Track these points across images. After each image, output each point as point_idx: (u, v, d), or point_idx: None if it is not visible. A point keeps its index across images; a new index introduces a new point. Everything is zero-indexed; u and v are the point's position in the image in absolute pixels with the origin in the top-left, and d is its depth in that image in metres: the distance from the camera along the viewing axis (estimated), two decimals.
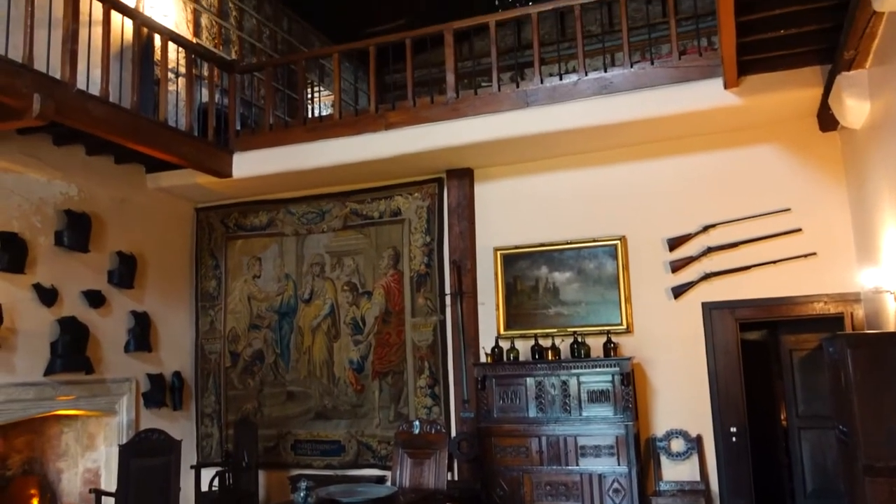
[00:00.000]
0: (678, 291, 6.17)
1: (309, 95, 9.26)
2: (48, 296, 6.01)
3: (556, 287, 6.52)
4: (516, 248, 6.69)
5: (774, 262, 5.94)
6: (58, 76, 5.35)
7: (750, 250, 6.03)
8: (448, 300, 6.83)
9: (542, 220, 6.68)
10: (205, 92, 7.42)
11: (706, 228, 6.17)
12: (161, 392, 7.10)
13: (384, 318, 7.09)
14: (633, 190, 6.44)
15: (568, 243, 6.53)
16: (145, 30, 6.65)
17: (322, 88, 9.97)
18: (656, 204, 6.35)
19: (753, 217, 6.04)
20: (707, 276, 6.11)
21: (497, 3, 9.08)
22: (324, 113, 10.03)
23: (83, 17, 5.65)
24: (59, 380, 6.04)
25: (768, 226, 6.00)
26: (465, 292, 6.71)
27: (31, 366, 5.85)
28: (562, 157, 6.63)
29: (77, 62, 5.45)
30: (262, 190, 7.52)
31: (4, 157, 5.82)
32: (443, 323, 6.85)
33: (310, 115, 7.78)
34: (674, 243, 6.23)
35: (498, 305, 6.67)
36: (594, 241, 6.46)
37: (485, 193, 6.94)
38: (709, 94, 5.62)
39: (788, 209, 5.96)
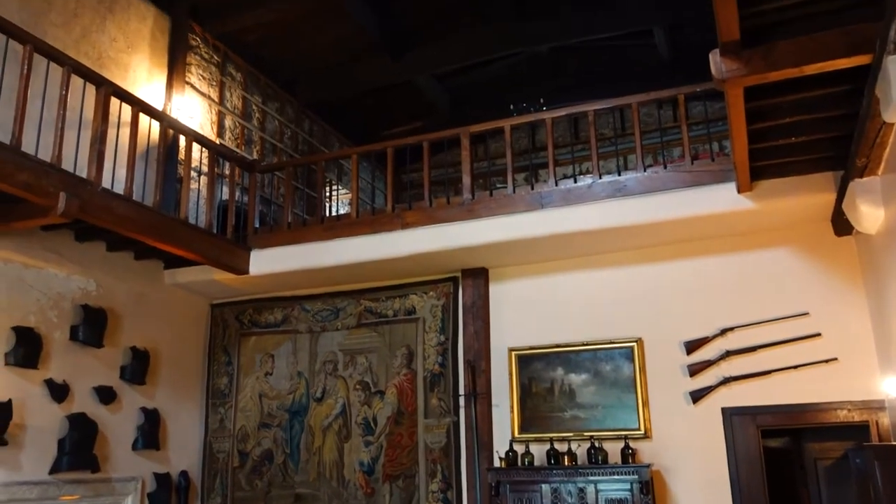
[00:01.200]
0: (697, 396, 6.05)
1: (327, 194, 9.44)
2: (59, 392, 5.98)
3: (572, 389, 6.42)
4: (531, 348, 6.63)
5: (795, 367, 5.83)
6: (84, 175, 5.50)
7: (769, 354, 5.93)
8: (462, 401, 6.72)
9: (557, 320, 6.64)
10: (225, 189, 7.59)
11: (724, 331, 6.10)
12: (167, 492, 6.93)
13: (396, 418, 6.97)
14: (649, 291, 6.41)
15: (584, 344, 6.46)
16: (171, 131, 6.86)
17: (340, 187, 10.16)
18: (672, 306, 6.31)
19: (771, 321, 5.97)
20: (726, 381, 5.99)
21: (511, 107, 9.32)
22: (341, 210, 10.23)
23: (112, 118, 5.86)
24: (65, 478, 5.92)
25: (787, 330, 5.93)
26: (480, 393, 6.61)
27: (36, 463, 5.75)
28: (577, 257, 6.66)
29: (104, 162, 5.61)
30: (277, 287, 7.56)
31: (27, 252, 5.91)
32: (456, 425, 6.71)
33: (327, 213, 7.91)
34: (691, 346, 6.15)
35: (512, 407, 6.54)
36: (610, 342, 6.39)
37: (500, 293, 6.94)
38: (722, 198, 5.68)
39: (807, 313, 5.89)
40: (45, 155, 5.19)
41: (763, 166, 5.30)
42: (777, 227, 6.06)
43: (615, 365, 6.34)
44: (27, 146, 5.03)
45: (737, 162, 5.04)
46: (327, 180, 9.40)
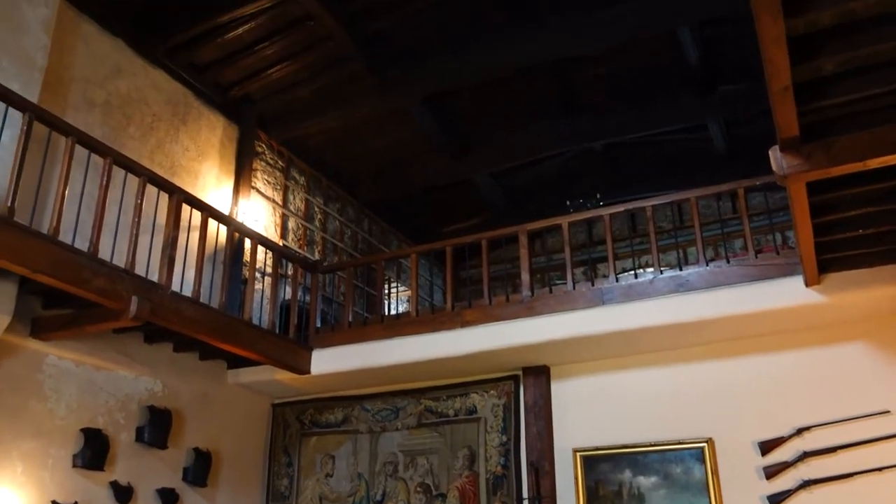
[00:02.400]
0: (775, 500, 5.73)
1: (386, 292, 9.54)
2: (124, 494, 6.00)
3: (641, 493, 6.15)
4: (597, 449, 6.42)
5: (879, 469, 5.49)
6: (155, 279, 5.69)
7: (851, 455, 5.61)
8: None
9: (623, 420, 6.44)
10: (288, 289, 7.74)
11: (800, 431, 5.81)
12: None
13: None
14: (718, 389, 6.19)
15: (651, 445, 6.23)
16: (237, 234, 7.10)
17: (399, 284, 10.27)
18: (744, 404, 6.07)
19: (850, 419, 5.68)
20: (806, 484, 5.67)
21: (568, 202, 9.40)
22: (401, 307, 10.30)
23: (182, 223, 6.10)
24: None
25: (868, 429, 5.62)
26: (544, 496, 6.39)
27: None
28: (640, 354, 6.51)
29: (174, 266, 5.81)
30: (338, 386, 7.56)
31: (98, 354, 6.08)
32: None
33: (387, 311, 7.97)
34: (766, 447, 5.87)
35: None
36: (679, 443, 6.15)
37: (562, 391, 6.79)
38: (790, 293, 5.54)
39: (888, 411, 5.60)
40: (119, 259, 5.41)
41: (831, 259, 5.18)
42: (850, 320, 5.84)
43: (685, 467, 6.08)
44: (103, 251, 5.26)
45: (803, 256, 4.94)
46: (386, 278, 9.52)
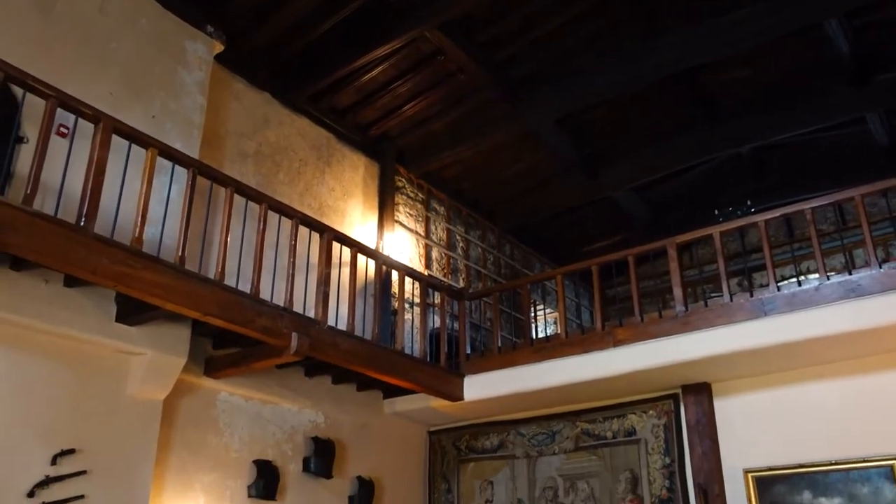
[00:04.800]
0: None
1: (532, 314, 9.49)
2: None
3: None
4: (770, 469, 6.03)
5: None
6: (312, 315, 5.95)
7: None
8: None
9: (798, 437, 6.00)
10: (436, 318, 7.86)
11: None
12: None
13: None
14: None
15: (832, 464, 5.77)
16: (385, 267, 7.31)
17: (545, 307, 10.19)
18: None
19: None
20: None
21: (716, 211, 9.00)
22: (547, 330, 10.21)
23: (334, 261, 6.36)
24: None
25: None
26: None
27: None
28: (811, 367, 6.07)
29: (328, 301, 6.05)
30: (491, 412, 7.56)
31: (264, 390, 6.41)
32: None
33: (535, 335, 7.91)
34: None
35: None
36: (864, 461, 5.66)
37: (727, 409, 6.44)
38: None
39: None
40: (278, 298, 5.70)
41: None
42: None
43: (873, 487, 5.58)
44: (264, 292, 5.56)
45: None
46: (532, 301, 9.47)
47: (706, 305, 6.20)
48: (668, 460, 6.53)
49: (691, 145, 9.25)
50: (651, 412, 6.77)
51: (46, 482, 4.55)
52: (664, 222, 10.22)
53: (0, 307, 4.51)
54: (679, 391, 6.65)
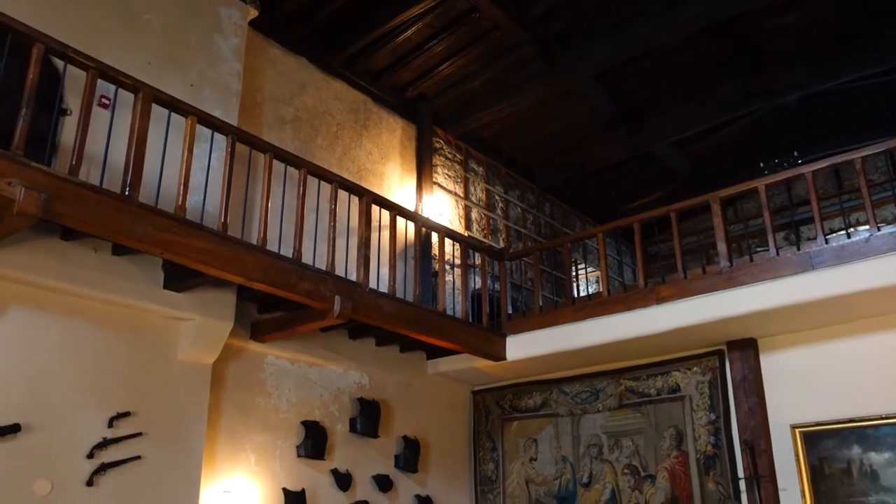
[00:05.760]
0: None
1: (574, 273, 9.45)
2: (343, 481, 6.40)
3: (874, 470, 5.63)
4: (818, 424, 5.96)
5: None
6: (353, 278, 6.00)
7: None
8: (743, 485, 6.16)
9: (846, 392, 5.90)
10: (477, 279, 7.88)
11: None
12: None
13: None
14: None
15: (882, 418, 5.67)
16: (424, 229, 7.32)
17: (586, 266, 10.13)
18: None
19: None
20: None
21: (762, 164, 8.80)
22: (588, 289, 10.16)
23: (374, 224, 6.39)
24: None
25: None
26: (762, 476, 6.03)
27: None
28: (860, 320, 5.94)
29: (369, 264, 6.09)
30: (534, 371, 7.59)
31: (309, 352, 6.52)
32: None
33: (576, 294, 7.88)
34: None
35: (804, 492, 5.86)
36: None
37: (773, 364, 6.36)
38: None
39: None
40: (320, 262, 5.76)
41: None
42: None
43: None
44: (306, 256, 5.62)
45: None
46: (573, 260, 9.42)
47: (751, 260, 6.09)
48: (713, 416, 6.50)
49: (735, 96, 9.01)
50: (695, 369, 6.72)
51: (104, 444, 4.73)
52: (706, 177, 10.03)
53: (53, 277, 4.64)
54: (724, 347, 6.59)
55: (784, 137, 9.79)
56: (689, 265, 6.72)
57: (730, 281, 6.00)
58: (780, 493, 6.00)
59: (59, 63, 4.54)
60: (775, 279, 5.77)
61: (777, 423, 6.18)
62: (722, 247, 6.20)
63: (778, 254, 5.89)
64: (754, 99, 9.01)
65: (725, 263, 6.11)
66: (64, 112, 4.86)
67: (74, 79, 4.59)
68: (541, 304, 7.28)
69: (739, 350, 6.46)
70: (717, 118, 9.40)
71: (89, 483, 4.61)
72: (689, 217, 7.56)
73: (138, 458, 4.88)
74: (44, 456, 4.47)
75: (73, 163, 4.32)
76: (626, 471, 6.90)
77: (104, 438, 4.74)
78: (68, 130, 4.77)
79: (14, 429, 4.34)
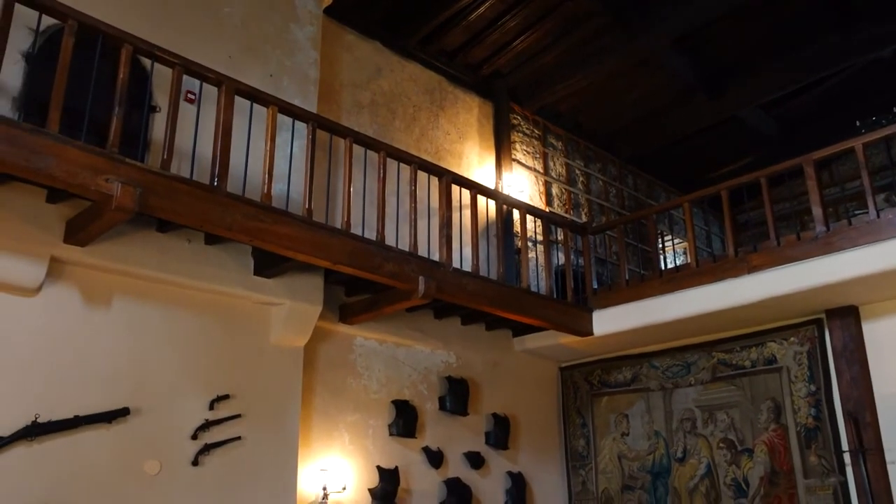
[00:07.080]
0: None
1: (660, 245, 9.24)
2: (435, 458, 6.49)
3: None
4: None
5: None
6: (436, 258, 6.04)
7: None
8: (847, 458, 5.92)
9: None
10: (560, 255, 7.80)
11: None
12: None
13: (770, 478, 6.36)
14: None
15: None
16: (505, 207, 7.29)
17: (673, 237, 9.88)
18: None
19: None
20: None
21: (858, 123, 8.34)
22: (676, 260, 9.92)
23: (454, 204, 6.40)
24: None
25: None
26: (868, 449, 5.78)
27: None
28: None
29: (451, 244, 6.11)
30: (622, 345, 7.48)
31: (396, 332, 6.61)
32: (844, 486, 5.91)
33: (663, 266, 7.70)
34: None
35: None
36: None
37: (877, 332, 6.06)
38: None
39: None
40: (403, 244, 5.82)
41: None
42: None
43: None
44: (389, 238, 5.69)
45: None
46: (659, 232, 9.21)
47: (850, 224, 5.81)
48: (813, 388, 6.26)
49: (824, 54, 8.57)
50: (792, 339, 6.48)
51: (206, 426, 4.94)
52: (796, 140, 9.59)
53: (151, 267, 4.86)
54: (823, 316, 6.32)
55: (880, 94, 9.23)
56: (782, 232, 6.46)
57: (827, 246, 5.73)
58: (889, 467, 5.74)
59: (147, 62, 4.72)
60: (876, 242, 5.49)
61: (883, 394, 5.91)
62: (817, 211, 5.93)
63: (879, 216, 5.59)
64: (846, 55, 8.55)
65: (822, 228, 5.85)
66: (154, 109, 5.05)
67: (161, 76, 4.77)
68: (627, 277, 7.15)
69: (840, 318, 6.19)
70: (807, 78, 8.97)
71: (195, 463, 4.83)
72: (780, 183, 7.26)
73: (238, 438, 5.07)
74: (151, 438, 4.71)
75: (165, 157, 4.49)
76: (721, 445, 6.73)
77: (206, 420, 4.95)
78: (158, 126, 4.96)
79: (124, 412, 4.59)
